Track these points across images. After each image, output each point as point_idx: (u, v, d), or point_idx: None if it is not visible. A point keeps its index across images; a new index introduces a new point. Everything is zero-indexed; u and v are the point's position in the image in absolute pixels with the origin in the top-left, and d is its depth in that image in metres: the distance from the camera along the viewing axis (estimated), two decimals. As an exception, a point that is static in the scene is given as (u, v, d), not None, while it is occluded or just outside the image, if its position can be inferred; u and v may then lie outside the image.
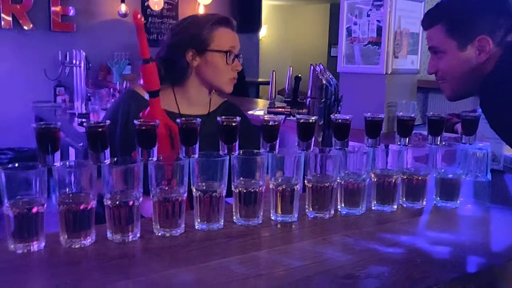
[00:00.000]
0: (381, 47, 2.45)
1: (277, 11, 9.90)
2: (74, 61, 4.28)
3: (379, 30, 2.46)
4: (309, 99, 1.76)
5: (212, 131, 1.37)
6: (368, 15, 2.50)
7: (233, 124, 1.10)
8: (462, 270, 0.92)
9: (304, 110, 1.77)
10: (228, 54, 1.71)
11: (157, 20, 6.34)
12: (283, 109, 1.82)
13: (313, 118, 1.16)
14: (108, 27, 5.65)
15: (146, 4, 6.05)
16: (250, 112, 2.99)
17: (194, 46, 1.70)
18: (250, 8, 7.05)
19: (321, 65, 1.87)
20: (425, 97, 6.55)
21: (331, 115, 1.23)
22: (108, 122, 0.99)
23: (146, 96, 1.70)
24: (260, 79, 7.29)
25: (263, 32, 8.76)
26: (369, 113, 1.22)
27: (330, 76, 1.78)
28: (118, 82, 4.81)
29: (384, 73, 2.45)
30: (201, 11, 6.66)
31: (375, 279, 0.86)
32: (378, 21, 2.46)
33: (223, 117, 1.11)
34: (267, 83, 6.93)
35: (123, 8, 5.72)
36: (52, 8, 5.24)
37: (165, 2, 6.21)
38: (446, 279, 0.87)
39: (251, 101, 4.36)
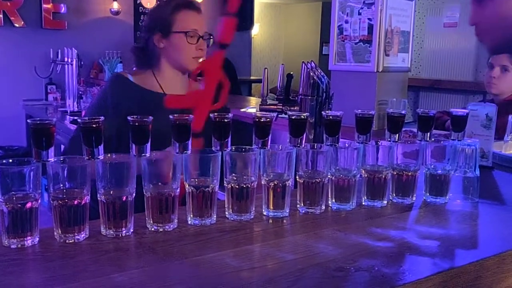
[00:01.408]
0: (372, 45, 2.47)
1: (270, 9, 9.92)
2: (65, 59, 4.27)
3: (370, 28, 2.47)
4: (300, 96, 1.78)
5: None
6: (360, 14, 2.51)
7: (226, 120, 1.12)
8: (450, 263, 0.94)
9: (295, 108, 1.79)
10: (188, 34, 1.78)
11: (149, 18, 6.32)
12: (275, 107, 1.84)
13: (304, 114, 1.18)
14: (100, 25, 5.63)
15: (138, 1, 6.03)
16: (242, 110, 3.00)
17: (159, 29, 1.79)
18: (242, 6, 7.04)
19: (312, 62, 1.89)
20: (416, 96, 6.60)
21: (322, 112, 1.24)
22: (102, 118, 0.99)
23: (131, 78, 1.81)
24: (252, 77, 7.31)
25: (255, 30, 8.77)
26: (359, 110, 1.24)
27: (322, 74, 1.80)
28: (110, 80, 4.79)
29: (375, 71, 2.47)
30: (193, 9, 6.65)
31: (366, 272, 0.88)
32: (369, 19, 2.48)
33: (215, 113, 1.12)
34: (259, 81, 6.94)
35: (115, 5, 5.71)
36: (44, 6, 5.22)
37: (157, 0, 6.20)
38: (435, 272, 0.89)
39: (244, 99, 4.37)
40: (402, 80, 2.66)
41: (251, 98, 4.60)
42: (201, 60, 1.81)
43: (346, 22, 2.58)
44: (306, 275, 0.86)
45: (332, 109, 1.83)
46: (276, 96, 1.99)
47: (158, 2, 1.92)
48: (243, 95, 5.73)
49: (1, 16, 5.00)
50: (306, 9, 9.91)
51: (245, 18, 7.09)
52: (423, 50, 6.58)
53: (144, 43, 1.85)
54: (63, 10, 5.32)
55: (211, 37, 1.83)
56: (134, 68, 1.90)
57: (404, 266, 0.91)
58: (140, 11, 6.06)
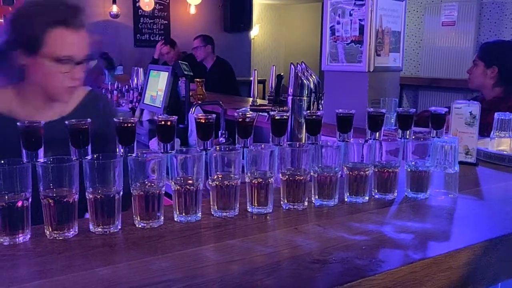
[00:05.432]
0: (363, 46, 2.51)
1: (269, 10, 9.97)
2: (65, 62, 4.32)
3: (362, 29, 2.52)
4: (290, 97, 1.83)
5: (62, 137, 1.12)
6: (351, 14, 2.56)
7: (210, 121, 1.16)
8: (422, 254, 0.98)
9: (285, 108, 1.83)
10: (61, 62, 1.45)
11: (148, 20, 6.39)
12: (265, 107, 1.88)
13: (286, 115, 1.22)
14: (99, 28, 5.70)
15: (137, 4, 6.10)
16: (238, 110, 3.04)
17: (23, 45, 1.44)
18: (241, 7, 7.10)
19: (303, 63, 1.93)
20: (415, 94, 6.64)
21: (303, 112, 1.29)
22: (89, 120, 1.04)
23: None
24: (252, 78, 7.34)
25: (255, 31, 8.82)
26: (340, 110, 1.28)
27: (311, 74, 1.84)
28: (110, 83, 4.86)
29: (367, 71, 2.51)
30: (192, 11, 6.71)
31: (339, 264, 0.92)
32: (360, 20, 2.53)
33: (199, 114, 1.16)
34: (259, 81, 7.00)
35: (114, 9, 5.78)
36: (44, 10, 5.28)
37: (156, 3, 6.26)
38: (407, 263, 0.94)
39: (241, 99, 4.42)
40: (393, 80, 2.70)
41: (250, 99, 4.64)
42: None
43: (338, 23, 2.63)
44: (282, 267, 0.91)
45: (322, 109, 1.88)
46: (268, 96, 2.03)
47: (26, 9, 1.48)
48: (242, 96, 5.77)
49: (2, 20, 5.07)
50: (306, 10, 9.95)
51: (244, 20, 7.15)
52: (421, 49, 6.62)
53: (2, 53, 1.48)
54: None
55: (92, 59, 1.53)
56: None
57: (377, 258, 0.95)
58: (140, 13, 6.13)
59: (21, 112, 1.51)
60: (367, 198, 1.30)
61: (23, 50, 1.44)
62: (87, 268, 0.89)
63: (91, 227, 1.06)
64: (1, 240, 0.98)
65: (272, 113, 1.23)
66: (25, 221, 0.99)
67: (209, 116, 1.16)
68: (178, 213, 1.14)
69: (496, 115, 1.93)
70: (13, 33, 1.46)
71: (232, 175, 1.16)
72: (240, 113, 1.22)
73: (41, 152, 0.99)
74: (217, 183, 1.16)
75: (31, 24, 1.43)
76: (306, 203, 1.24)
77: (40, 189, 1.00)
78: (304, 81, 1.74)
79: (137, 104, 3.82)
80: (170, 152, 1.12)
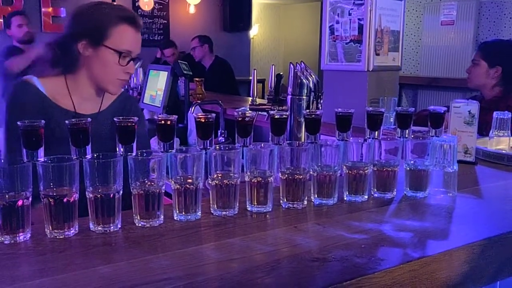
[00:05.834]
0: (362, 45, 2.52)
1: (269, 9, 9.97)
2: (65, 62, 4.32)
3: (361, 28, 2.52)
4: (289, 96, 1.83)
5: (102, 132, 1.44)
6: (350, 14, 2.56)
7: (210, 120, 1.17)
8: (421, 252, 0.98)
9: (284, 107, 1.83)
10: (121, 55, 1.62)
11: (148, 20, 6.40)
12: (264, 106, 1.89)
13: (285, 114, 1.23)
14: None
15: (136, 4, 6.10)
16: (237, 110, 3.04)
17: (89, 36, 1.61)
18: (240, 7, 7.11)
19: (302, 63, 1.93)
20: (415, 94, 6.65)
21: (303, 111, 1.29)
22: (89, 119, 1.05)
23: (39, 85, 1.61)
24: (251, 77, 7.35)
25: (254, 31, 8.82)
26: (339, 109, 1.29)
27: (311, 74, 1.85)
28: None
29: (366, 70, 2.52)
30: (191, 11, 6.72)
31: (339, 262, 0.93)
32: (359, 19, 2.53)
33: (199, 113, 1.17)
34: (259, 81, 7.00)
35: (114, 8, 5.78)
36: (43, 9, 5.30)
37: (155, 2, 6.26)
38: (406, 261, 0.94)
39: (241, 99, 4.42)
40: (393, 79, 2.71)
41: (249, 98, 4.64)
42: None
43: (337, 22, 2.63)
44: (282, 265, 0.91)
45: (322, 108, 1.88)
46: (267, 96, 2.04)
47: (96, 6, 1.67)
48: (241, 95, 5.77)
49: (1, 20, 5.07)
50: (305, 9, 9.96)
51: (243, 19, 7.15)
52: (420, 48, 6.63)
53: (65, 44, 1.63)
54: (62, 14, 5.39)
55: (140, 60, 1.71)
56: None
57: (376, 256, 0.96)
58: (139, 13, 6.12)
59: (63, 102, 1.64)
60: (366, 197, 1.30)
61: (88, 41, 1.61)
62: (88, 266, 0.89)
63: (91, 226, 1.06)
64: (2, 239, 0.98)
65: (271, 112, 1.24)
66: (25, 220, 0.99)
67: (209, 116, 1.16)
68: (178, 212, 1.14)
69: (495, 114, 1.93)
70: (79, 26, 1.64)
71: (231, 174, 1.17)
72: (240, 113, 1.22)
73: (41, 151, 1.00)
74: (216, 182, 1.17)
75: (99, 18, 1.62)
76: (305, 202, 1.24)
77: (40, 188, 1.00)
78: (304, 80, 1.74)
79: (136, 103, 3.82)
80: (170, 151, 1.12)
